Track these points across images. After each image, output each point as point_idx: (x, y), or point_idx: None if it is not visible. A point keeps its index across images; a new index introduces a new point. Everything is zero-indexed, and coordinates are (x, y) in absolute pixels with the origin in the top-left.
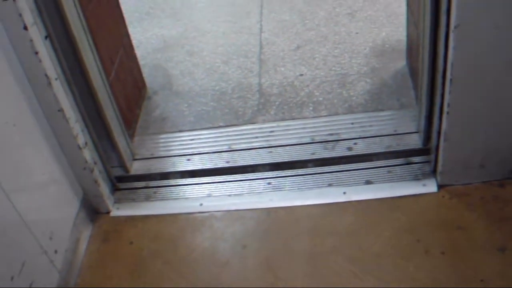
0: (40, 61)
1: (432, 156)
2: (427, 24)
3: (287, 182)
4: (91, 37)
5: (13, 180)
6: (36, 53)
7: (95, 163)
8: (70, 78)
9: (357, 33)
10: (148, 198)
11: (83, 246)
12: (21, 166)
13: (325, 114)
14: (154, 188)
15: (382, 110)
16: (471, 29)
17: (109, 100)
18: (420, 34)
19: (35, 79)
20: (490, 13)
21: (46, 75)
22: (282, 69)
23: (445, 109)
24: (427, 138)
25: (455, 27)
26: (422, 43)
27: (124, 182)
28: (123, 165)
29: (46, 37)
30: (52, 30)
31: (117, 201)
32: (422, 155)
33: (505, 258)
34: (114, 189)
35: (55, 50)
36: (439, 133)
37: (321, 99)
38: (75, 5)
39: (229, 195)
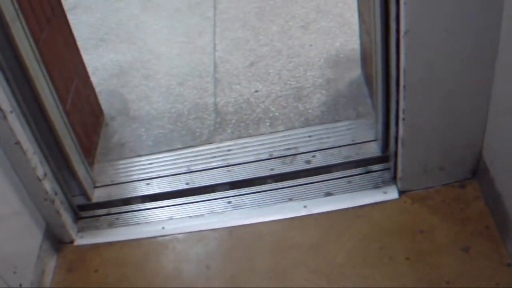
0: None
1: (391, 163)
2: (378, 32)
3: (248, 199)
4: (45, 68)
5: None
6: None
7: (55, 193)
8: (25, 110)
9: (311, 45)
10: (111, 225)
11: (48, 277)
12: None
13: (282, 129)
14: (116, 215)
15: (339, 120)
16: (420, 34)
17: (67, 130)
18: (373, 41)
19: None
20: (439, 18)
21: (0, 108)
22: (237, 86)
23: (401, 115)
24: (385, 145)
25: (405, 33)
26: (375, 51)
27: (87, 210)
28: (84, 193)
29: None
30: (4, 62)
31: (81, 230)
32: (381, 162)
33: (469, 258)
34: (77, 217)
35: (8, 81)
36: (396, 139)
37: (277, 114)
38: (26, 35)
39: (190, 217)
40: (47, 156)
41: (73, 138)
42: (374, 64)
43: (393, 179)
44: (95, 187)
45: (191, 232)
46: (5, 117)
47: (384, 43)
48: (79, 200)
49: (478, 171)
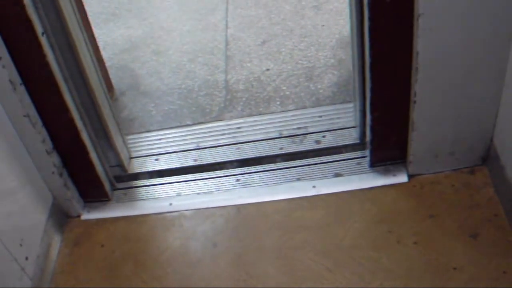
0: (3, 66)
1: (368, 151)
2: (354, 18)
3: (256, 178)
4: (86, 34)
5: None
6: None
7: (63, 166)
8: (70, 77)
9: (323, 25)
10: (118, 200)
11: (54, 251)
12: None
13: (292, 108)
14: (124, 190)
15: (350, 101)
16: (435, 17)
17: (106, 100)
18: (351, 28)
19: None
20: (454, 1)
21: (10, 80)
22: (249, 64)
23: (412, 98)
24: (363, 133)
25: (419, 15)
26: (352, 37)
27: (123, 182)
28: (121, 165)
29: (42, 34)
30: (49, 26)
31: (87, 204)
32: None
33: (477, 245)
34: (113, 189)
35: (53, 49)
36: (371, 128)
37: (288, 93)
38: (70, 1)
39: (198, 193)
40: (87, 124)
41: (112, 108)
42: (351, 51)
43: (403, 163)
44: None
45: (198, 209)
46: (14, 89)
47: (359, 29)
48: (116, 171)
49: (488, 158)
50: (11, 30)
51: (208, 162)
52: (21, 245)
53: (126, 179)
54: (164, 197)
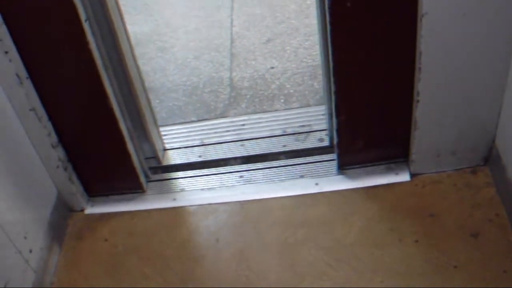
0: (10, 60)
1: (335, 155)
2: (319, 22)
3: (259, 174)
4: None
5: None
6: (6, 52)
7: (68, 160)
8: (112, 66)
9: None
10: (122, 195)
11: (58, 244)
12: None
13: (296, 106)
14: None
15: None
16: (438, 17)
17: (143, 89)
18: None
19: (4, 78)
20: (457, 1)
21: (17, 74)
22: (253, 62)
23: (415, 97)
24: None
25: (423, 15)
26: (319, 42)
27: (158, 174)
28: (156, 157)
29: (86, 20)
30: (91, 13)
31: (91, 199)
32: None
33: (478, 244)
34: (148, 180)
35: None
36: (338, 131)
37: (292, 91)
38: None
39: (202, 189)
40: (125, 114)
41: (148, 98)
42: (320, 53)
43: (405, 161)
44: None
45: (202, 204)
46: (21, 83)
47: (324, 33)
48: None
49: (490, 158)
50: (51, 17)
51: (212, 159)
52: (25, 237)
53: (160, 171)
54: (168, 192)
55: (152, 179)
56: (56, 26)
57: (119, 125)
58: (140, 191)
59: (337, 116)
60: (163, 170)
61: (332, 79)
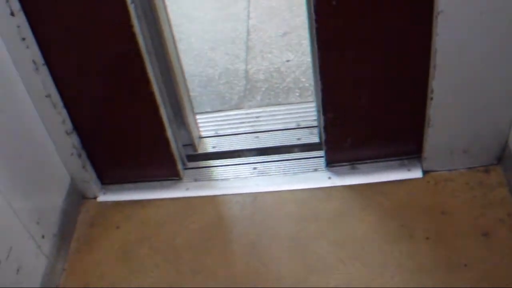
0: (27, 47)
1: (323, 152)
2: (308, 17)
3: (273, 167)
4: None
5: None
6: (24, 39)
7: (82, 148)
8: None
9: None
10: (135, 183)
11: (70, 230)
12: (8, 153)
13: (311, 100)
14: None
15: None
16: (455, 15)
17: (183, 78)
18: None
19: (20, 65)
20: None
21: (33, 60)
22: (269, 55)
23: (429, 94)
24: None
25: (439, 13)
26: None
27: (193, 161)
28: (192, 144)
29: (131, 2)
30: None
31: (104, 187)
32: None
33: (488, 243)
34: (184, 168)
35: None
36: (325, 128)
37: (307, 85)
38: None
39: (216, 180)
40: (166, 100)
41: (187, 85)
42: (309, 52)
43: (419, 158)
44: None
45: (215, 195)
46: (37, 69)
47: (311, 31)
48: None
49: (503, 157)
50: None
51: (227, 150)
52: (38, 223)
53: (197, 159)
54: (182, 182)
55: (189, 166)
56: (98, 9)
57: (159, 111)
58: (176, 178)
59: (324, 113)
60: (190, 159)
61: (318, 76)
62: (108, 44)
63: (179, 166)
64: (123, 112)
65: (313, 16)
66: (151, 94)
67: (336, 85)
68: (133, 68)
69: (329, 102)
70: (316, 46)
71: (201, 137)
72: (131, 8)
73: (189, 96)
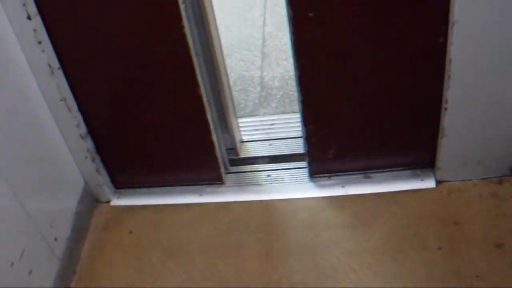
0: (43, 50)
1: (306, 163)
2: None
3: (287, 174)
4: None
5: (14, 169)
6: (40, 42)
7: (96, 152)
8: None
9: None
10: (148, 188)
11: (83, 234)
12: (22, 155)
13: None
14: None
15: None
16: (470, 25)
17: (227, 81)
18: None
19: (36, 69)
20: (489, 9)
21: (49, 64)
22: (284, 62)
23: (444, 104)
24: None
25: (454, 23)
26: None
27: (236, 166)
28: (234, 148)
29: (182, 2)
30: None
31: (118, 191)
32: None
33: (501, 255)
34: (227, 172)
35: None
36: (306, 139)
37: None
38: None
39: (229, 186)
40: (211, 103)
41: (230, 88)
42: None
43: (431, 168)
44: None
45: (228, 202)
46: (52, 73)
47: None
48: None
49: None
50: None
51: (240, 157)
52: (51, 226)
53: (239, 163)
54: (195, 187)
55: (231, 170)
56: (148, 8)
57: (206, 114)
58: (219, 183)
59: (305, 125)
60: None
61: (297, 87)
62: (155, 45)
63: (222, 171)
64: (140, 115)
65: (291, 29)
66: (199, 97)
67: (315, 97)
68: (183, 70)
69: (310, 113)
70: (294, 57)
71: (242, 141)
72: (182, 8)
73: (232, 99)
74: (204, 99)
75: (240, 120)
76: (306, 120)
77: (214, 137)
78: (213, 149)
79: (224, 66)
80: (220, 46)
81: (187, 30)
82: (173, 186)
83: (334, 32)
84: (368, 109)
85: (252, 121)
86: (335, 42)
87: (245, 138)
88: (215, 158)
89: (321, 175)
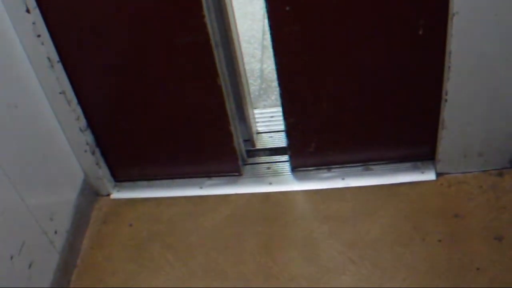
0: (42, 43)
1: (288, 156)
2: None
3: (287, 166)
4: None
5: (14, 162)
6: (39, 35)
7: (96, 145)
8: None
9: None
10: (148, 181)
11: (83, 227)
12: (22, 149)
13: None
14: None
15: None
16: (469, 17)
17: (245, 74)
18: None
19: (35, 62)
20: (489, 1)
21: (48, 57)
22: None
23: (443, 96)
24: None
25: (454, 15)
26: None
27: (252, 157)
28: (250, 139)
29: None
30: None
31: (117, 184)
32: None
33: (501, 247)
34: (244, 164)
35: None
36: (287, 133)
37: None
38: None
39: (229, 179)
40: (230, 94)
41: (247, 80)
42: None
43: (431, 160)
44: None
45: (228, 194)
46: (52, 66)
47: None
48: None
49: None
50: None
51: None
52: (51, 219)
53: (253, 155)
54: (195, 180)
55: (249, 162)
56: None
57: (225, 105)
58: (236, 174)
59: (286, 118)
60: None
61: (277, 81)
62: (173, 35)
63: (240, 162)
64: (145, 108)
65: (268, 23)
66: (219, 87)
67: (295, 90)
68: (204, 60)
69: (289, 107)
70: (272, 51)
71: (258, 133)
72: None
73: (249, 91)
74: (224, 89)
75: None
76: (286, 113)
77: (232, 128)
78: (231, 140)
79: (241, 56)
80: (238, 36)
81: (207, 19)
82: (173, 179)
83: (313, 25)
84: (364, 101)
85: (251, 114)
86: (315, 36)
87: (260, 129)
88: (233, 150)
89: (304, 168)
